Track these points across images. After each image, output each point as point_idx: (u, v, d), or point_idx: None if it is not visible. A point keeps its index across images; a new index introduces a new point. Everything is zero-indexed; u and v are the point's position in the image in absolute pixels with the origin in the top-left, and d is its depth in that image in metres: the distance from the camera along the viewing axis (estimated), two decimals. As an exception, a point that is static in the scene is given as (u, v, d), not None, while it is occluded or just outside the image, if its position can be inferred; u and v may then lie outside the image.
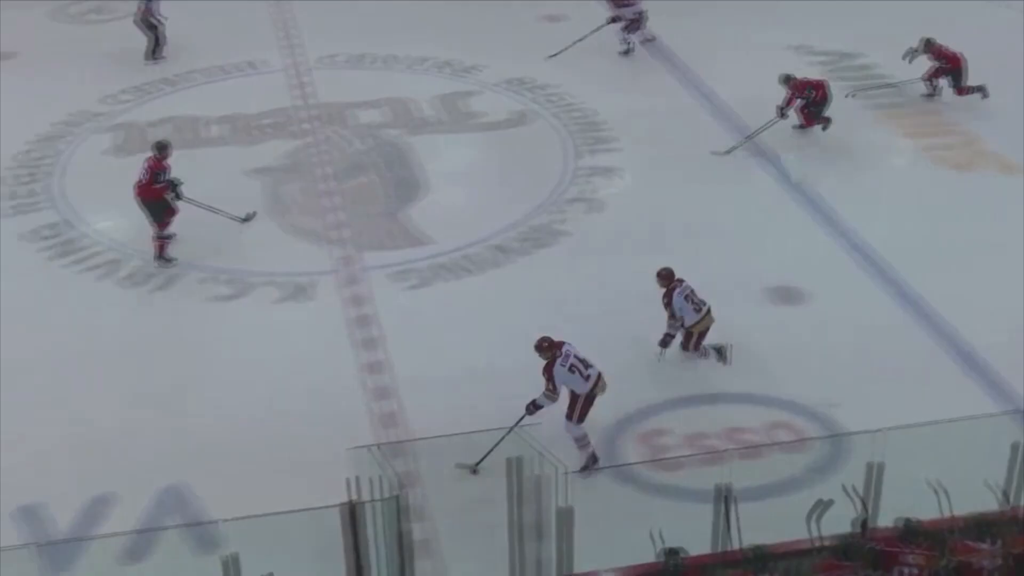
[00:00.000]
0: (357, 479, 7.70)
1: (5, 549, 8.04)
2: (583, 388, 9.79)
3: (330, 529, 7.68)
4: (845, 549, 7.54)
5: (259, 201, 14.56)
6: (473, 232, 13.77)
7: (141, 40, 18.68)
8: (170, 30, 18.82)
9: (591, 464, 9.88)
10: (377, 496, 7.81)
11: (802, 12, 19.64)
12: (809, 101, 15.73)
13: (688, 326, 11.22)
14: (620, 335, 11.66)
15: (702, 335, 11.35)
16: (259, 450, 10.29)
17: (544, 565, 7.84)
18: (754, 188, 14.89)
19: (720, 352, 11.31)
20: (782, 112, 15.53)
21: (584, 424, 9.94)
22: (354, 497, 7.55)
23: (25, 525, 9.42)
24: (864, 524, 7.61)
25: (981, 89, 16.65)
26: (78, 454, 10.29)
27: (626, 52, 18.64)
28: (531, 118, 16.79)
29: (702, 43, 18.82)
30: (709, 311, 11.26)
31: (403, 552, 7.70)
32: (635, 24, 18.58)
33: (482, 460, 9.66)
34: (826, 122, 15.82)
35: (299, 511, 8.61)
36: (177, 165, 13.84)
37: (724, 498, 7.59)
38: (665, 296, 11.17)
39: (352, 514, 7.47)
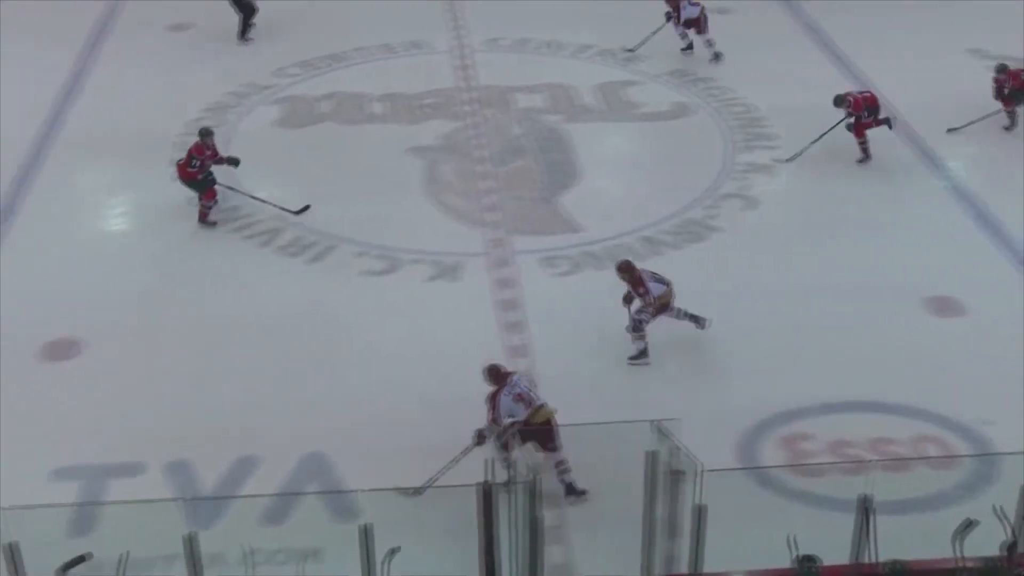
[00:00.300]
0: (494, 461, 7.76)
1: (156, 501, 8.39)
2: (520, 415, 9.44)
3: (464, 508, 7.77)
4: (989, 573, 7.26)
5: (416, 179, 14.77)
6: (625, 223, 13.71)
7: (311, 17, 19.13)
8: (342, 7, 19.29)
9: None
10: (513, 479, 7.88)
11: (979, 14, 18.90)
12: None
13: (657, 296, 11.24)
14: (765, 332, 11.50)
15: (665, 307, 11.33)
16: (399, 425, 10.43)
17: (675, 562, 7.78)
18: (917, 191, 14.45)
19: (698, 320, 11.42)
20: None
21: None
22: (490, 479, 7.61)
23: (174, 480, 9.80)
24: (1012, 548, 7.32)
25: None
26: (225, 416, 10.62)
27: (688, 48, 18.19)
28: (691, 111, 16.61)
29: (870, 40, 18.28)
30: (670, 285, 11.37)
31: (534, 537, 7.72)
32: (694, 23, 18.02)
33: (428, 484, 9.31)
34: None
35: (435, 487, 8.77)
36: (340, 140, 14.15)
37: (865, 509, 7.40)
38: (639, 286, 11.14)
39: (487, 495, 7.52)
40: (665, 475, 7.76)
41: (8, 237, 13.54)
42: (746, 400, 9.90)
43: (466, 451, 9.38)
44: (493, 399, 9.52)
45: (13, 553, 7.29)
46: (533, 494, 7.58)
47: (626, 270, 11.33)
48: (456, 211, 14.22)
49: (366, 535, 7.22)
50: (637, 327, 11.28)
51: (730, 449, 9.98)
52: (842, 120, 14.82)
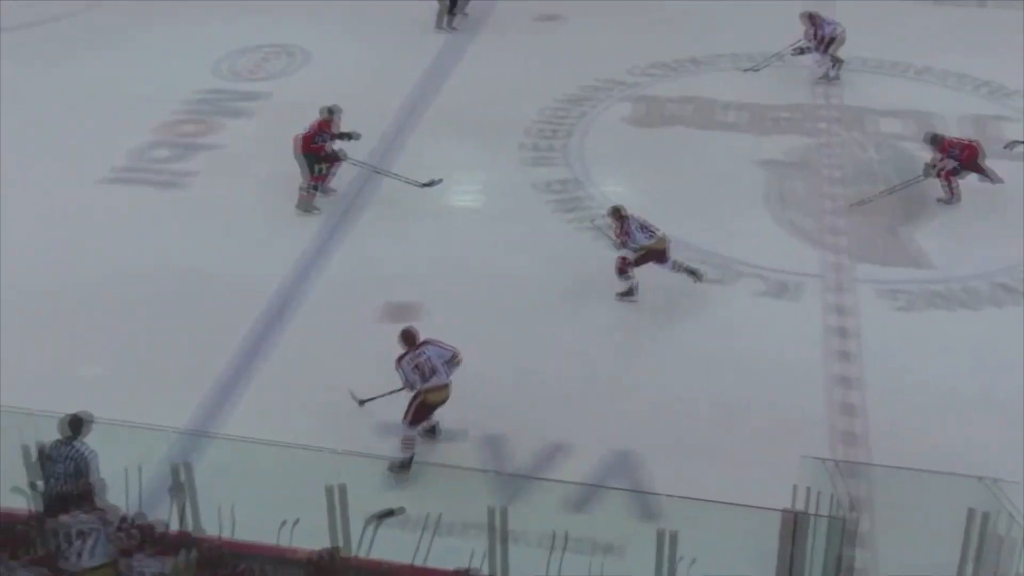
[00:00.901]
0: (807, 489, 7.53)
1: (469, 469, 8.69)
2: (419, 386, 9.87)
3: (766, 531, 7.59)
4: None
5: (760, 192, 14.51)
6: (980, 264, 12.94)
7: (684, 19, 19.19)
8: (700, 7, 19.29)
9: (403, 465, 9.82)
10: (823, 512, 7.61)
11: None
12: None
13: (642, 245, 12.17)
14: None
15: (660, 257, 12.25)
16: (712, 435, 10.38)
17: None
18: None
19: (695, 273, 12.31)
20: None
21: (416, 429, 10.00)
22: (799, 507, 7.39)
23: (488, 452, 10.13)
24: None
25: None
26: (545, 402, 10.88)
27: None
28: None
29: None
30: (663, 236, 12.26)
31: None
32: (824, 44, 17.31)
33: (370, 399, 9.93)
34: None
35: (741, 505, 8.59)
36: (688, 144, 14.07)
37: None
38: (622, 234, 12.19)
39: (795, 524, 7.31)
40: (990, 536, 7.28)
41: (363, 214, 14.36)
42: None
43: (393, 391, 9.93)
44: (398, 361, 9.96)
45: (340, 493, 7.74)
46: (843, 532, 7.30)
47: (614, 215, 12.35)
48: (798, 229, 13.87)
49: (668, 541, 7.19)
50: (621, 271, 12.25)
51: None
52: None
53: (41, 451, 8.48)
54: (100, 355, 11.60)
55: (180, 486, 8.02)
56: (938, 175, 14.18)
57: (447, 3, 19.42)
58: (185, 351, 11.50)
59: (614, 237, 12.34)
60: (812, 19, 17.35)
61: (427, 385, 9.90)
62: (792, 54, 17.44)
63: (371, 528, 7.73)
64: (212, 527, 7.88)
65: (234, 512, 7.68)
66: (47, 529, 7.72)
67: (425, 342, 10.13)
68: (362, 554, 7.74)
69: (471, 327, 11.78)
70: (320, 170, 14.09)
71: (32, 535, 7.75)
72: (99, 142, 15.75)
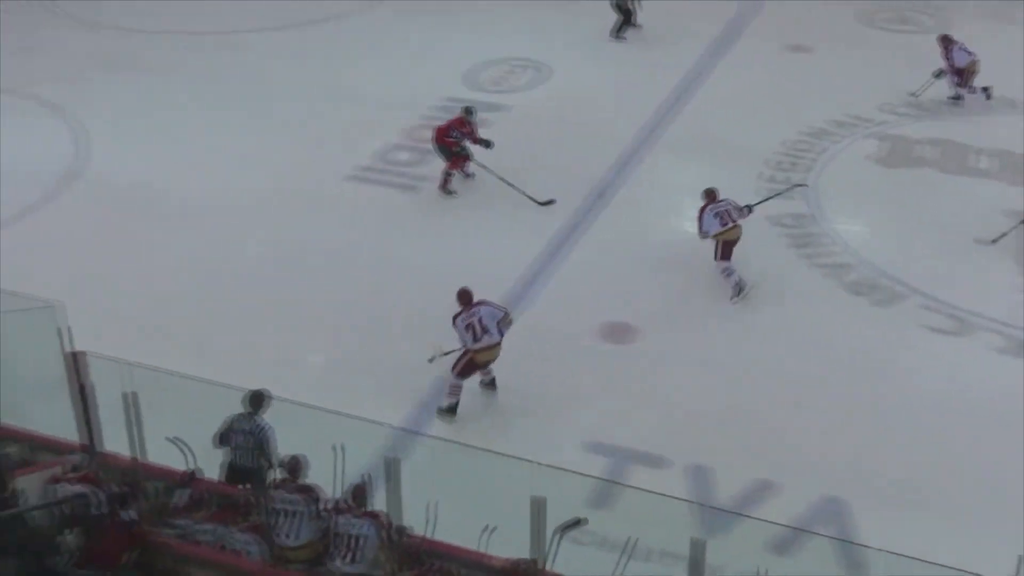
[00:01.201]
0: (1032, 563, 7.10)
1: (673, 498, 8.57)
2: (471, 345, 10.65)
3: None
4: None
5: (1007, 245, 13.74)
6: None
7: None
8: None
9: (450, 410, 10.80)
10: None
11: None
12: None
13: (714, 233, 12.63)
14: None
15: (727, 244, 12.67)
16: (921, 486, 10.03)
17: None
18: None
19: (739, 289, 12.52)
20: None
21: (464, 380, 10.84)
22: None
23: (693, 482, 10.00)
24: None
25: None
26: (755, 435, 10.69)
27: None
28: None
29: None
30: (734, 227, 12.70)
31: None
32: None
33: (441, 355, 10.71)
34: None
35: (955, 569, 8.15)
36: (934, 188, 13.50)
37: None
38: (698, 219, 12.78)
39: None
40: None
41: (592, 228, 14.39)
42: None
43: (454, 350, 10.74)
44: (454, 319, 10.74)
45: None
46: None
47: (705, 196, 12.92)
48: (1044, 286, 13.12)
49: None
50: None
51: None
52: None
53: (224, 428, 8.95)
54: (324, 344, 12.11)
55: (389, 479, 8.23)
56: None
57: (623, 16, 19.92)
58: (406, 347, 11.79)
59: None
60: (945, 42, 17.41)
61: (477, 345, 10.68)
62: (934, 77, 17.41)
63: (559, 539, 7.71)
64: (415, 525, 8.05)
65: (436, 510, 7.81)
66: (261, 502, 8.06)
67: (480, 302, 10.79)
68: (554, 568, 7.74)
69: (685, 352, 11.69)
70: (461, 150, 15.03)
71: (250, 504, 8.14)
72: (349, 140, 16.43)
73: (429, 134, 15.31)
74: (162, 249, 13.80)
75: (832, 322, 12.37)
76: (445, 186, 15.00)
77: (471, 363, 10.82)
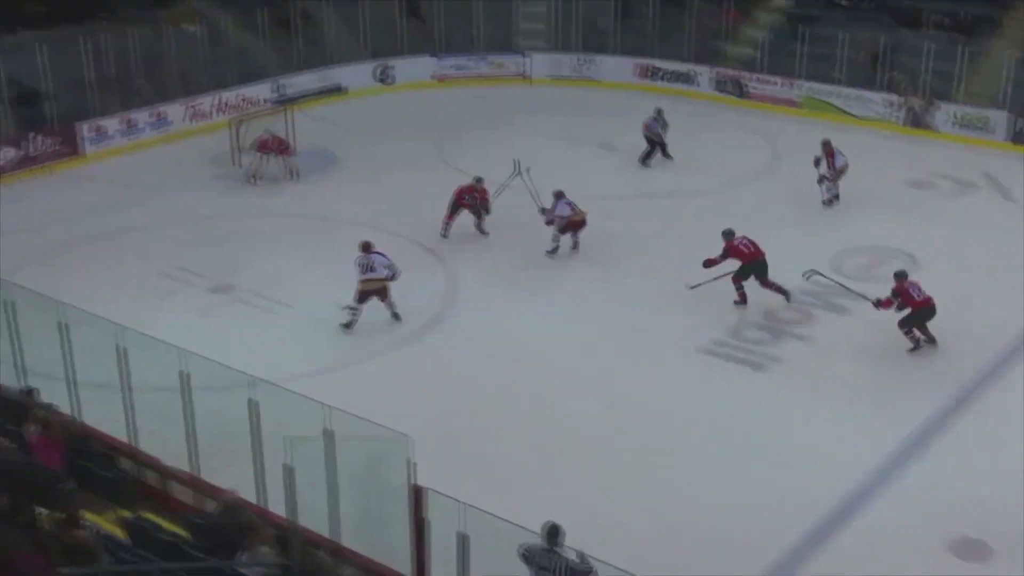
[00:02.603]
0: None
1: None
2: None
3: None
4: None
5: None
6: None
7: None
8: None
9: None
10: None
11: None
12: None
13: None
14: None
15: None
16: None
17: None
18: None
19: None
20: None
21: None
22: None
23: None
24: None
25: None
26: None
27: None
28: None
29: None
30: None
31: None
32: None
33: None
34: None
35: None
36: None
37: None
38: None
39: None
40: None
41: None
42: None
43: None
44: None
45: None
46: None
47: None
48: None
49: None
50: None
51: None
52: None
53: (528, 554, 9.00)
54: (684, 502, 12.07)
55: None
56: None
57: (652, 146, 22.96)
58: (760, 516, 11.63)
59: None
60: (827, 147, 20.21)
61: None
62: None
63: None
64: None
65: None
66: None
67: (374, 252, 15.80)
68: None
69: None
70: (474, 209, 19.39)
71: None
72: (700, 309, 16.43)
73: (787, 315, 15.10)
74: (512, 395, 14.23)
75: None
76: (444, 229, 19.27)
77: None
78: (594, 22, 30.23)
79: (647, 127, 23.17)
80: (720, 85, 28.13)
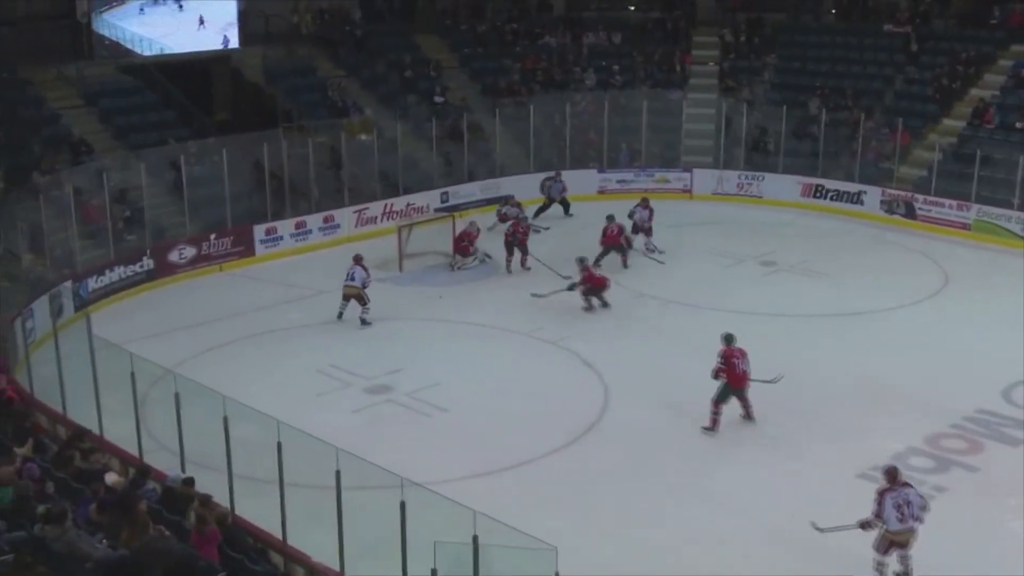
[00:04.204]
0: None
1: None
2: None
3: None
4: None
5: None
6: None
7: None
8: None
9: None
10: None
11: None
12: None
13: None
14: None
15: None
16: None
17: None
18: None
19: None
20: None
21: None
22: None
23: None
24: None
25: None
26: None
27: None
28: None
29: None
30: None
31: None
32: None
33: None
34: None
35: None
36: None
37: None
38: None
39: None
40: None
41: None
42: None
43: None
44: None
45: None
46: None
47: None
48: None
49: None
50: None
51: None
52: None
53: None
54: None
55: None
56: None
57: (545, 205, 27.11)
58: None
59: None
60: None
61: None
62: None
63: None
64: None
65: None
66: None
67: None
68: None
69: None
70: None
71: None
72: (866, 435, 15.90)
73: (953, 444, 14.46)
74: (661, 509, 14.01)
75: None
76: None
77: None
78: (761, 140, 30.20)
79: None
80: (889, 206, 27.62)
